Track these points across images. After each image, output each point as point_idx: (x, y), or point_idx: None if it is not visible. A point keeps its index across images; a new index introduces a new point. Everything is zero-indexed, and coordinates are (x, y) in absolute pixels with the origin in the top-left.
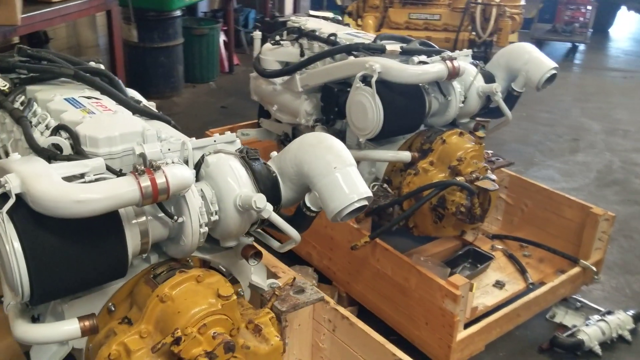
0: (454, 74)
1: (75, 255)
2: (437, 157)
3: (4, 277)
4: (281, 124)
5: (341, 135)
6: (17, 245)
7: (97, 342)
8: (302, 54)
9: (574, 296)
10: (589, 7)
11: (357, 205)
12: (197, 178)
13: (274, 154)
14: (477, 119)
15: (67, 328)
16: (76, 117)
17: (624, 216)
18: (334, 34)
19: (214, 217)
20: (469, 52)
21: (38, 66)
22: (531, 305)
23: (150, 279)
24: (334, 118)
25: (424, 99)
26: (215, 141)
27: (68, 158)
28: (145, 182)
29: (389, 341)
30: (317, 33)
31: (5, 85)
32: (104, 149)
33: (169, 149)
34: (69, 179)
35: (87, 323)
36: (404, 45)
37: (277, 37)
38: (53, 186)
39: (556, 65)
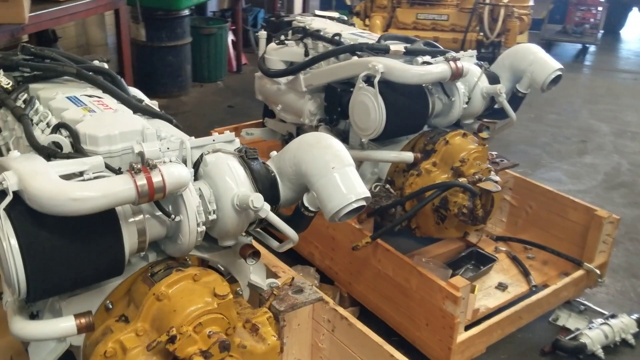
0: (457, 74)
1: (72, 252)
2: (440, 158)
3: (2, 273)
4: (285, 124)
5: (345, 136)
6: (14, 242)
7: (94, 339)
8: (306, 54)
9: (578, 299)
10: (600, 8)
11: (355, 205)
12: (196, 177)
13: (274, 153)
14: (484, 120)
15: (63, 325)
16: (77, 115)
17: (631, 219)
18: (339, 34)
19: (212, 216)
20: (474, 52)
21: (41, 64)
22: (534, 307)
23: (148, 277)
24: (337, 118)
25: (427, 99)
26: (214, 140)
27: (67, 156)
28: (142, 180)
29: (391, 342)
30: (321, 33)
31: (9, 83)
32: (104, 148)
33: (168, 148)
34: (68, 177)
35: (83, 320)
36: (408, 45)
37: (282, 37)
38: (49, 184)
39: (561, 67)
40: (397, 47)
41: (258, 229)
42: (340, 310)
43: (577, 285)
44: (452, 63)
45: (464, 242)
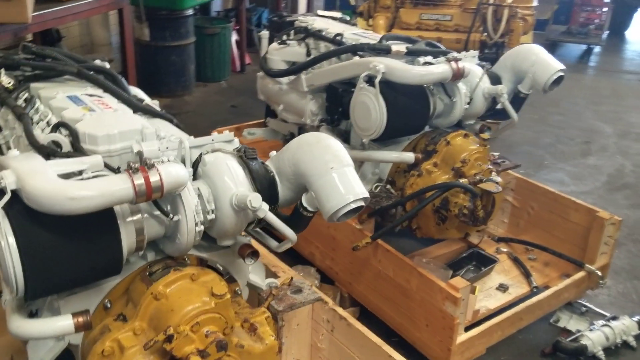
0: (458, 75)
1: (70, 251)
2: (441, 159)
3: (0, 272)
4: (287, 124)
5: (346, 136)
6: (12, 240)
7: (92, 338)
8: (308, 54)
9: (579, 301)
10: (605, 9)
11: (353, 205)
12: (195, 177)
13: (273, 153)
14: (487, 120)
15: (60, 324)
16: (76, 114)
17: (634, 221)
18: (340, 34)
19: (210, 216)
20: (475, 53)
21: (42, 64)
22: (534, 309)
23: (146, 277)
24: (338, 118)
25: (429, 100)
26: (213, 140)
27: (67, 155)
28: (139, 180)
29: (390, 343)
30: (323, 33)
31: (10, 82)
32: (103, 147)
33: (167, 147)
34: (66, 176)
35: (80, 319)
36: (410, 45)
37: (284, 37)
38: (47, 183)
39: (563, 67)
40: (399, 47)
41: (257, 229)
42: (340, 310)
43: (579, 287)
44: (453, 63)
45: (465, 243)
